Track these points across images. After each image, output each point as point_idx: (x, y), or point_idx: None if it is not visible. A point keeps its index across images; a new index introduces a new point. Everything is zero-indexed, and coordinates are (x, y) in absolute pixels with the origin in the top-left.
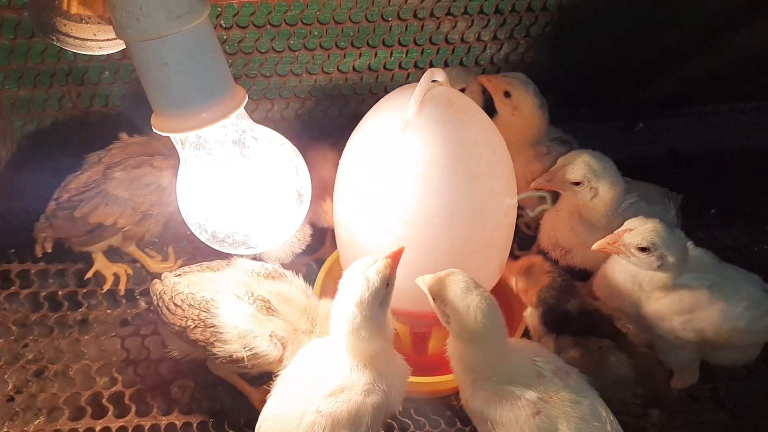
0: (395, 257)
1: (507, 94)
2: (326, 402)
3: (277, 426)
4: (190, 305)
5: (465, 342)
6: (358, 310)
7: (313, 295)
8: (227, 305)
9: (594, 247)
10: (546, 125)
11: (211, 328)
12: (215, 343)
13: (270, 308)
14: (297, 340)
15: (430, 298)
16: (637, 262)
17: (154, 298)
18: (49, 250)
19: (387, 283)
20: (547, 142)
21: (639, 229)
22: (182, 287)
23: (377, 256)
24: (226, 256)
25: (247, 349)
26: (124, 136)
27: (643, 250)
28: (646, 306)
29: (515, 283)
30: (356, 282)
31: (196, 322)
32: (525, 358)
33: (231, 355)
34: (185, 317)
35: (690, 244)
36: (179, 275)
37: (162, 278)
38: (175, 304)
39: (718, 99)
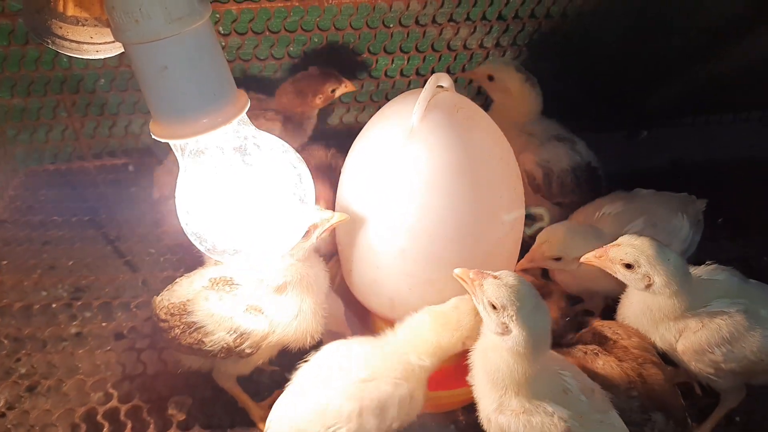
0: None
1: (491, 78)
2: (356, 387)
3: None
4: (172, 314)
5: (519, 357)
6: None
7: None
8: (199, 299)
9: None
10: (539, 99)
11: (194, 327)
12: (203, 340)
13: (233, 284)
14: (272, 299)
15: (495, 317)
16: (624, 280)
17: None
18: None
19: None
20: (543, 137)
21: (626, 245)
22: (164, 302)
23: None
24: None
25: (232, 332)
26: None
27: (628, 267)
28: (684, 340)
29: None
30: None
31: (181, 327)
32: (552, 371)
33: (223, 346)
34: (171, 327)
35: (714, 266)
36: (161, 295)
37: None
38: (162, 320)
39: (722, 108)
